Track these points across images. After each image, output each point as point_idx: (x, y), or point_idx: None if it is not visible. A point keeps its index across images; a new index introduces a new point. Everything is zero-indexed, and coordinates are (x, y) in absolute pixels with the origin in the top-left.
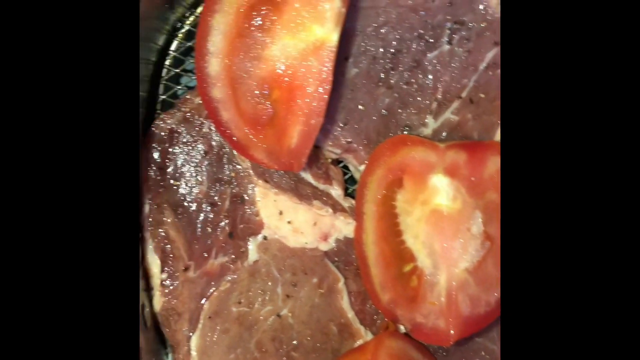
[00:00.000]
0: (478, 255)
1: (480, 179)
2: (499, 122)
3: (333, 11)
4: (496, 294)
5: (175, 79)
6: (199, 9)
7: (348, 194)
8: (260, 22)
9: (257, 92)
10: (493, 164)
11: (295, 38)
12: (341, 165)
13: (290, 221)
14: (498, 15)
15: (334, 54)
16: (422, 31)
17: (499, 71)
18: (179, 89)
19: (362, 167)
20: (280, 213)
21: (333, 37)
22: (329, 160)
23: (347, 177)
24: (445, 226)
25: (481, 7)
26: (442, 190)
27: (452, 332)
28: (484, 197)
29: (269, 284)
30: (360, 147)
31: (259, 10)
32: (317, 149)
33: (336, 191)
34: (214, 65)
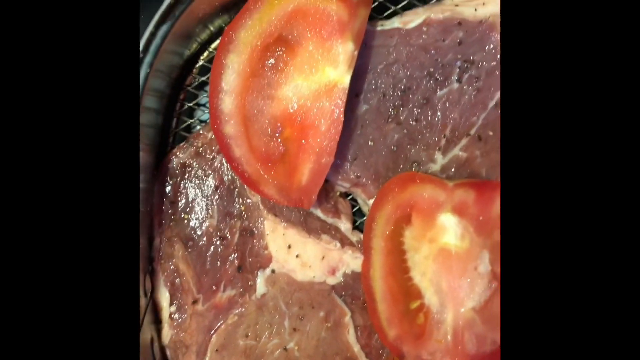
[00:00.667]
0: (485, 295)
1: (488, 218)
2: None
3: (346, 54)
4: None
5: (189, 113)
6: (214, 45)
7: (356, 227)
8: (274, 63)
9: (269, 130)
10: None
11: (308, 79)
12: (349, 198)
13: (298, 255)
14: None
15: (346, 95)
16: (432, 69)
17: None
18: (192, 122)
19: (371, 201)
20: (289, 247)
21: (345, 79)
22: (338, 193)
23: (354, 209)
24: (453, 265)
25: (491, 46)
26: (450, 228)
27: None
28: (491, 236)
29: (276, 317)
30: (369, 182)
31: (273, 51)
32: (326, 182)
33: (345, 225)
34: (227, 102)
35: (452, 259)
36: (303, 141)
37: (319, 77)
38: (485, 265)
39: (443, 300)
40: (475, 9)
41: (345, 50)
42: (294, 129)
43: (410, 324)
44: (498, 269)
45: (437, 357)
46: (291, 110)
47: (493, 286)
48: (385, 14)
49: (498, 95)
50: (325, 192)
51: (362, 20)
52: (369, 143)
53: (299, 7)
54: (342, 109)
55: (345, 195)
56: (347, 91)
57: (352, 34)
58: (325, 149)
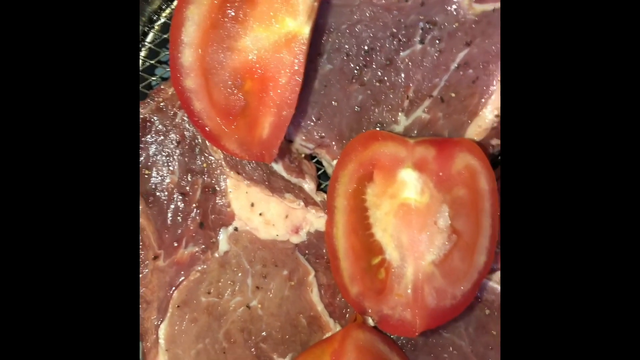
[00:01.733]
0: (444, 249)
1: (449, 174)
2: (469, 120)
3: (305, 4)
4: (462, 287)
5: (150, 71)
6: (175, 2)
7: (321, 189)
8: (234, 14)
9: (229, 82)
10: (461, 160)
11: (268, 30)
12: (314, 161)
13: (261, 213)
14: (469, 16)
15: (306, 46)
16: (395, 30)
17: (470, 71)
18: (153, 80)
19: (335, 162)
20: (252, 205)
21: (305, 30)
22: (302, 155)
23: (320, 172)
24: (413, 219)
25: (453, 7)
26: (410, 184)
27: (417, 323)
28: (451, 192)
29: (239, 275)
30: (333, 143)
31: (232, 2)
32: (290, 143)
33: (308, 185)
34: (188, 55)
35: (412, 213)
36: (263, 94)
37: (278, 28)
38: (444, 220)
39: (403, 255)
40: None
41: (304, 0)
42: (255, 81)
43: (372, 280)
44: (458, 224)
45: (397, 312)
46: (251, 63)
47: (452, 240)
48: None
49: (460, 56)
50: (289, 152)
51: None
52: (333, 103)
53: None
54: (302, 61)
55: (310, 157)
56: (307, 44)
57: None
58: (286, 101)
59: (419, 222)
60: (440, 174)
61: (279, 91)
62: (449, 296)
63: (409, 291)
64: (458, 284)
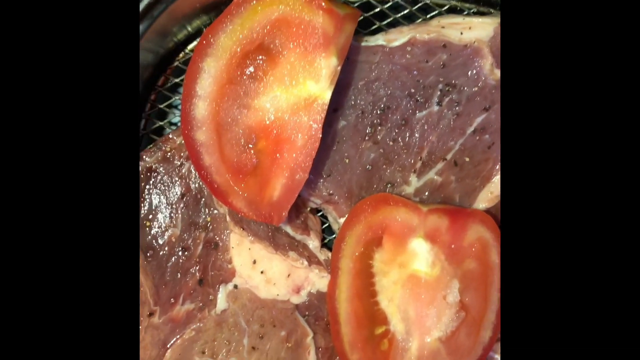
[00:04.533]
0: (452, 326)
1: (460, 246)
2: (482, 186)
3: (329, 69)
4: None
5: (159, 115)
6: (190, 46)
7: (324, 244)
8: (253, 71)
9: (242, 140)
10: (474, 232)
11: (288, 92)
12: (319, 214)
13: (263, 271)
14: (490, 81)
15: (325, 111)
16: (413, 90)
17: (486, 136)
18: (162, 124)
19: (342, 220)
20: (254, 262)
21: (326, 95)
22: (308, 209)
23: (324, 226)
24: (422, 292)
25: (474, 71)
26: (421, 255)
27: None
28: (462, 265)
29: (236, 334)
30: (342, 200)
31: (253, 59)
32: (298, 197)
33: (313, 243)
34: (201, 108)
35: (421, 286)
36: (278, 155)
37: (298, 91)
38: (454, 295)
39: (409, 328)
40: (461, 33)
41: (328, 65)
42: (269, 141)
43: (374, 349)
44: (466, 300)
45: None
46: (267, 122)
47: (461, 317)
48: (370, 29)
49: (477, 121)
50: (296, 208)
51: (348, 35)
52: (344, 160)
53: (283, 16)
54: (320, 125)
55: (315, 211)
56: (327, 107)
57: (336, 48)
58: (300, 164)
59: (428, 295)
60: (453, 246)
61: (294, 155)
62: None
63: None
64: None
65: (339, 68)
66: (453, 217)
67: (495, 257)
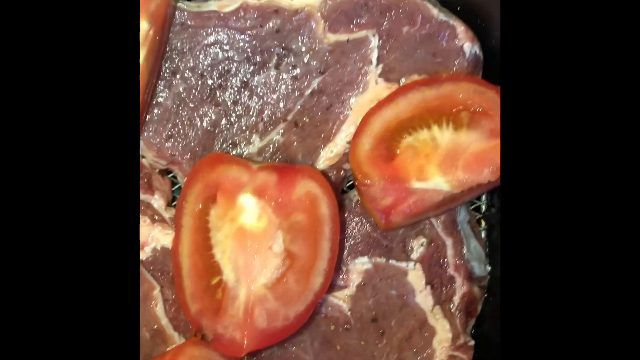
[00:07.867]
0: (278, 272)
1: (288, 200)
2: (323, 145)
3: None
4: (296, 309)
5: None
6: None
7: (174, 205)
8: None
9: None
10: (302, 187)
11: None
12: (171, 175)
13: None
14: (324, 45)
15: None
16: (251, 54)
17: (324, 98)
18: None
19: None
20: None
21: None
22: (157, 170)
23: (176, 187)
24: (249, 243)
25: (307, 36)
26: (248, 209)
27: (245, 343)
28: (289, 217)
29: None
30: (184, 161)
31: None
32: (140, 158)
33: (158, 202)
34: None
35: (248, 238)
36: None
37: None
38: (279, 245)
39: (238, 277)
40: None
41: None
42: None
43: (210, 299)
44: (294, 249)
45: (229, 331)
46: None
47: (286, 264)
48: None
49: (314, 83)
50: (140, 168)
51: (160, 1)
52: (185, 122)
53: None
54: None
55: (165, 172)
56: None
57: (147, 13)
58: None
59: (254, 246)
60: (280, 200)
61: None
62: (280, 317)
63: (241, 312)
64: (292, 305)
65: (152, 32)
66: (282, 173)
67: (325, 210)
